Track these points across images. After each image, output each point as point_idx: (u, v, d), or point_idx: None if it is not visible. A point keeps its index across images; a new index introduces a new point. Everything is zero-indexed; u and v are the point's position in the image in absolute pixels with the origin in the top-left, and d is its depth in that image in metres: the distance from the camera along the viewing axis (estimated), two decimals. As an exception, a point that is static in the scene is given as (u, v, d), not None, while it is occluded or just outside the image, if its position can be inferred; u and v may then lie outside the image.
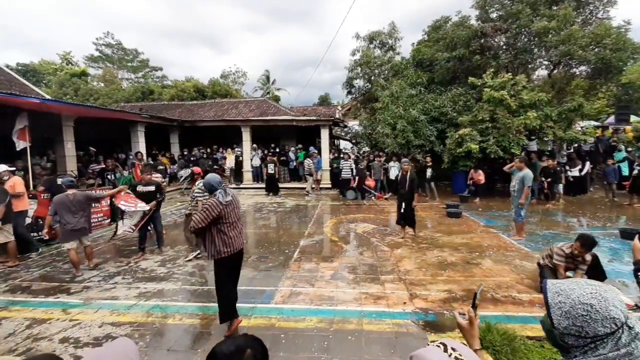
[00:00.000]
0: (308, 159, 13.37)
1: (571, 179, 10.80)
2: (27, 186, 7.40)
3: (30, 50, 52.86)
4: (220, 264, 3.33)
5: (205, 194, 4.56)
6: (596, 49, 10.91)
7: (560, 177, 9.86)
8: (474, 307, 1.18)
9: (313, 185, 13.30)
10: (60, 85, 27.55)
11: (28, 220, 6.39)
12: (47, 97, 12.45)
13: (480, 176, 10.51)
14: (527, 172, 6.23)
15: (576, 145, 12.86)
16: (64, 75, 29.04)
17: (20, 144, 7.54)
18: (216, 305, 3.99)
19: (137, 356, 0.91)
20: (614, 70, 11.33)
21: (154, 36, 62.52)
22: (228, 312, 3.40)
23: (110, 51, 36.64)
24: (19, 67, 30.18)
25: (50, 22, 53.50)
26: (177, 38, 66.85)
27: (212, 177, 3.41)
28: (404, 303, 3.95)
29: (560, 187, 9.91)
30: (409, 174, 6.60)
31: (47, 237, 6.71)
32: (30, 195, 6.87)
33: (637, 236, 1.75)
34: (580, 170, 10.80)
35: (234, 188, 14.23)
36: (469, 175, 10.80)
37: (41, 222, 6.75)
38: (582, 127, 12.46)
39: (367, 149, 15.79)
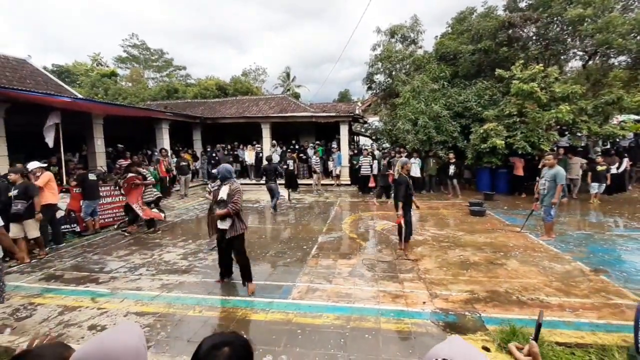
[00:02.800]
0: (314, 157, 13.06)
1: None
2: (60, 181, 7.83)
3: (65, 53, 55.93)
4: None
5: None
6: (638, 37, 10.13)
7: (603, 175, 9.35)
8: (537, 339, 0.98)
9: (317, 182, 13.00)
10: (91, 85, 28.93)
11: (61, 213, 6.73)
12: (79, 96, 13.10)
13: (520, 162, 10.04)
14: (559, 170, 5.96)
15: (612, 140, 12.03)
16: (95, 76, 30.47)
17: (50, 140, 7.90)
18: (234, 298, 4.08)
19: (143, 339, 0.93)
20: None
21: (178, 37, 64.23)
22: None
23: (137, 52, 38.03)
24: (55, 69, 31.93)
25: (82, 26, 56.20)
26: (199, 39, 68.36)
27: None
28: (424, 303, 3.84)
29: (596, 185, 9.37)
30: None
31: (79, 230, 7.13)
32: (64, 190, 7.27)
33: None
34: (618, 168, 10.13)
35: (253, 184, 14.45)
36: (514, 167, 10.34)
37: (73, 215, 7.13)
38: (620, 122, 11.64)
39: (387, 145, 15.53)
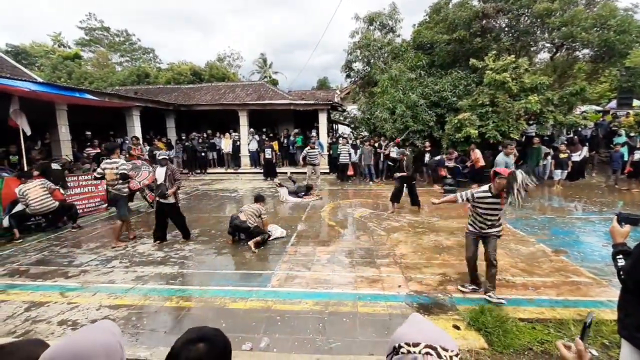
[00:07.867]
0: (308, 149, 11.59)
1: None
2: (22, 170, 7.33)
3: (17, 32, 51.23)
4: None
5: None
6: (600, 31, 10.63)
7: (565, 162, 9.91)
8: (583, 339, 0.98)
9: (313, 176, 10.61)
10: (53, 68, 27.02)
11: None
12: (39, 79, 12.18)
13: (479, 155, 10.29)
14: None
15: (575, 130, 12.73)
16: (56, 58, 28.41)
17: (27, 127, 7.29)
18: (213, 288, 4.06)
19: (118, 337, 0.90)
20: (618, 53, 11.08)
21: (140, 18, 60.16)
22: None
23: (100, 34, 35.62)
24: (9, 49, 29.41)
25: (36, 4, 51.62)
26: (167, 21, 64.46)
27: None
28: (399, 286, 3.99)
29: (559, 172, 9.94)
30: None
31: (45, 223, 6.73)
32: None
33: (615, 218, 1.74)
34: (579, 155, 10.77)
35: (231, 172, 14.21)
36: (469, 156, 10.49)
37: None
38: (582, 112, 12.32)
39: (366, 133, 15.66)
